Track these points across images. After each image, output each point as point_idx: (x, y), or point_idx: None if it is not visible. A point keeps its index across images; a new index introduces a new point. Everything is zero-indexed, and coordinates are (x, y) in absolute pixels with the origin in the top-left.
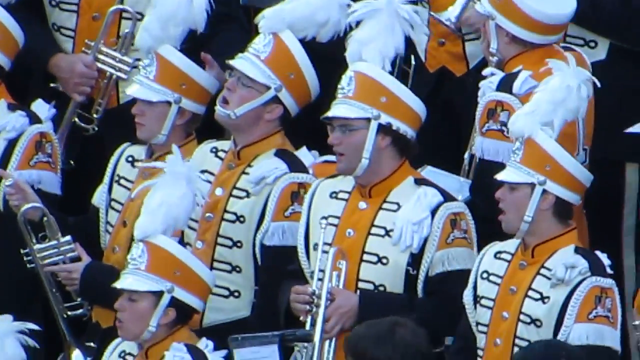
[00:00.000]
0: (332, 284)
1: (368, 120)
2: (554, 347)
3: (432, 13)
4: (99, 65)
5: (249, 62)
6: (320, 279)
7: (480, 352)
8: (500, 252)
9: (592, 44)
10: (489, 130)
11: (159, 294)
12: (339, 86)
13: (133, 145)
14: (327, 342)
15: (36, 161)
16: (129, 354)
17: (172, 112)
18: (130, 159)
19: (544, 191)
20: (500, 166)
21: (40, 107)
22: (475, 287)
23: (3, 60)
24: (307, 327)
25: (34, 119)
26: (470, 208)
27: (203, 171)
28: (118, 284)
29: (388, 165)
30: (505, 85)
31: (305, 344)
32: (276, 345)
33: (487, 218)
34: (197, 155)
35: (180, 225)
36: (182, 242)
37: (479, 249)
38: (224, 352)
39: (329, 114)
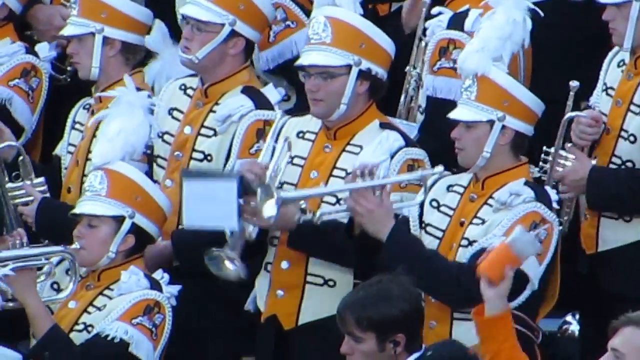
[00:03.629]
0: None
1: (348, 66)
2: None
3: None
4: None
5: (197, 6)
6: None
7: None
8: (452, 185)
9: None
10: (442, 68)
11: (119, 220)
12: (310, 32)
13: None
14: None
15: (14, 85)
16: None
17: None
18: None
19: (503, 127)
20: (452, 103)
21: (43, 49)
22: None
23: None
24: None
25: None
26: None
27: (172, 109)
28: (78, 210)
29: (358, 108)
30: (456, 23)
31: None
32: (235, 182)
33: (436, 154)
34: (166, 92)
35: (137, 153)
36: (150, 179)
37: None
38: (178, 286)
39: (306, 62)
